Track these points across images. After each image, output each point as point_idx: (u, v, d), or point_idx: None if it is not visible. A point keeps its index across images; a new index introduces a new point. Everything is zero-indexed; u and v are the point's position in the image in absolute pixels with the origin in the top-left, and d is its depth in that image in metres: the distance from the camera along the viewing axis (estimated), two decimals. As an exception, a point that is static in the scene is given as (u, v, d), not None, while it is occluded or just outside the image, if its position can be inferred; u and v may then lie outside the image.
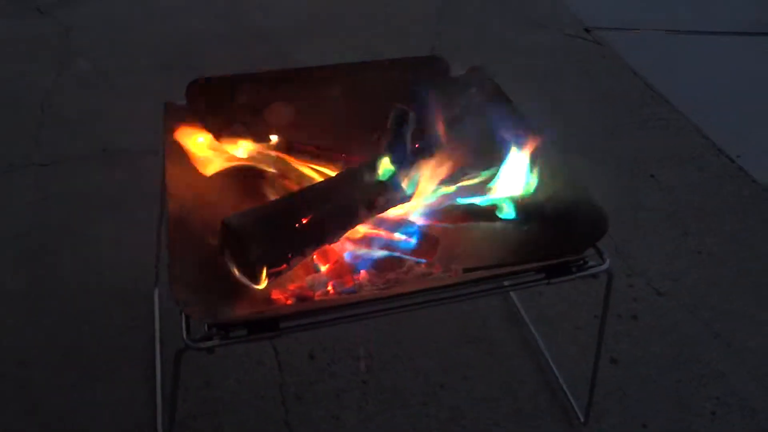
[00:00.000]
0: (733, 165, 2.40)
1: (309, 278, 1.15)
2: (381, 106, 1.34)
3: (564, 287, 1.84)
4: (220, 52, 2.78)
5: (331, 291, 1.13)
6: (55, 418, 1.47)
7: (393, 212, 1.27)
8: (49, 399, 1.50)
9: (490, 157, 1.33)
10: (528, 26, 3.22)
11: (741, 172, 2.37)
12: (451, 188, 1.30)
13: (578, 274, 1.15)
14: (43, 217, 1.97)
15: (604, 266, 1.16)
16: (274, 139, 1.36)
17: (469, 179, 1.33)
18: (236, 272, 1.08)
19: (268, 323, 1.01)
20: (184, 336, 0.98)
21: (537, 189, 1.28)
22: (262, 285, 1.08)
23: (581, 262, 1.15)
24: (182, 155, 1.25)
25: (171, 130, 1.28)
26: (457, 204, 1.30)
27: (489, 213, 1.29)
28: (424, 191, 1.29)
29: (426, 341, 1.69)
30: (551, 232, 1.26)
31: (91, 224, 1.94)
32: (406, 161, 1.28)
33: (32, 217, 1.96)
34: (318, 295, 1.12)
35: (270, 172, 1.33)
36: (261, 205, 1.20)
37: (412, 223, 1.25)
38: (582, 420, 1.53)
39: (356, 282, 1.16)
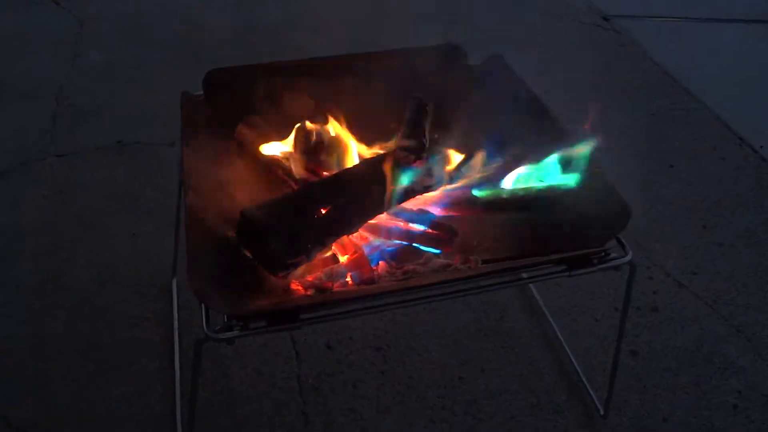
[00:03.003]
0: (756, 155, 2.36)
1: (328, 269, 1.15)
2: (399, 96, 1.33)
3: (583, 279, 1.82)
4: (232, 45, 2.78)
5: (350, 282, 1.13)
6: (72, 411, 1.47)
7: (412, 203, 1.25)
8: (66, 391, 1.51)
9: (511, 147, 1.31)
10: (544, 15, 3.17)
11: (764, 162, 2.33)
12: (471, 179, 1.29)
13: (600, 267, 1.13)
14: (59, 210, 1.97)
15: (627, 258, 1.14)
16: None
17: (487, 170, 1.31)
18: (256, 263, 1.07)
19: (288, 314, 1.00)
20: (205, 327, 0.97)
21: (561, 180, 1.26)
22: (282, 276, 1.08)
23: (603, 254, 1.13)
24: (200, 145, 1.24)
25: (188, 121, 1.27)
26: (476, 195, 1.28)
27: (508, 204, 1.28)
28: (443, 182, 1.27)
29: (444, 333, 1.68)
30: (572, 223, 1.24)
31: (106, 216, 1.95)
32: (424, 151, 1.27)
33: (47, 210, 1.97)
34: (337, 286, 1.11)
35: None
36: (280, 196, 1.19)
37: (431, 214, 1.24)
38: (602, 413, 1.52)
39: (375, 273, 1.15)
